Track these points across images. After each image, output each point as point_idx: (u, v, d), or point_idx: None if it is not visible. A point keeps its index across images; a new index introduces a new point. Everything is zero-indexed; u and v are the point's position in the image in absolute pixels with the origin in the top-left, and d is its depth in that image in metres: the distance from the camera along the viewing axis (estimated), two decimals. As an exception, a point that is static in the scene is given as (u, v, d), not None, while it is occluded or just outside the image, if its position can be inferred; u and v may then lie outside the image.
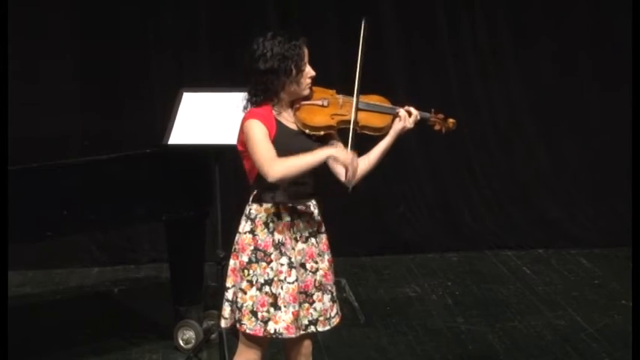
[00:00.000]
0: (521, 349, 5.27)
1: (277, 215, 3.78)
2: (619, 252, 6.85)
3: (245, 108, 3.81)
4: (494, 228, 7.26)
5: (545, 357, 5.18)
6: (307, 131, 3.79)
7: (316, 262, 3.85)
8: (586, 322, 5.62)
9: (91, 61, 6.87)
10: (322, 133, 3.81)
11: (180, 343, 5.24)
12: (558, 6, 7.28)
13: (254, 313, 3.76)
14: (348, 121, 3.79)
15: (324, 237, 3.91)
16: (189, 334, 5.23)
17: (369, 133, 3.86)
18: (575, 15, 7.30)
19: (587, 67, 7.34)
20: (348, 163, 3.66)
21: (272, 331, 3.76)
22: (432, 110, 3.95)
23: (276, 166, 3.65)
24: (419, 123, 3.89)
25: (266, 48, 3.71)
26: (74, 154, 4.93)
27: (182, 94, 4.96)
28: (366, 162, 3.82)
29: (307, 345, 3.94)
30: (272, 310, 3.75)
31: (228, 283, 3.86)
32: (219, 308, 3.91)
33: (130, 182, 4.93)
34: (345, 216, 7.14)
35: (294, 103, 3.81)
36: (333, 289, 3.91)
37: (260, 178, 3.74)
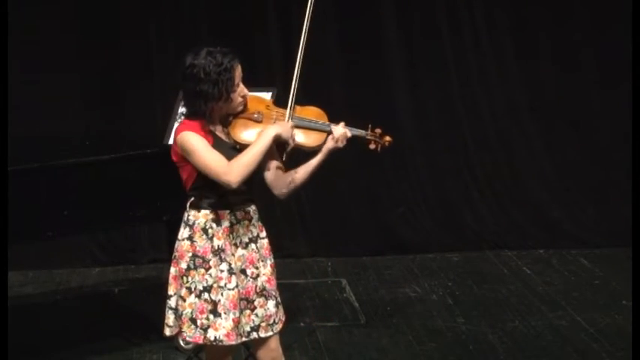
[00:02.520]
0: (522, 349, 5.27)
1: (216, 221, 3.74)
2: (619, 252, 6.83)
3: (179, 118, 3.75)
4: (494, 228, 7.25)
5: (545, 357, 5.18)
6: (239, 147, 3.72)
7: (257, 268, 3.80)
8: (586, 323, 5.62)
9: (91, 61, 6.87)
10: None
11: (181, 343, 5.23)
12: (558, 5, 7.28)
13: (193, 320, 3.73)
14: None
15: (265, 242, 3.85)
16: (190, 334, 5.23)
17: (302, 149, 3.77)
18: (575, 14, 7.29)
19: (587, 67, 7.34)
20: None
21: (212, 339, 3.72)
22: (369, 127, 3.82)
23: (234, 170, 3.60)
24: (352, 140, 3.77)
25: (197, 68, 3.62)
26: (75, 154, 4.92)
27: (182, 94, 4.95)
28: (292, 176, 3.77)
29: (274, 347, 3.87)
30: (211, 317, 3.71)
31: (170, 291, 3.81)
32: (163, 317, 3.86)
33: (130, 182, 4.91)
34: (346, 216, 7.14)
35: (228, 117, 3.76)
36: (277, 294, 3.85)
37: (196, 185, 3.72)
